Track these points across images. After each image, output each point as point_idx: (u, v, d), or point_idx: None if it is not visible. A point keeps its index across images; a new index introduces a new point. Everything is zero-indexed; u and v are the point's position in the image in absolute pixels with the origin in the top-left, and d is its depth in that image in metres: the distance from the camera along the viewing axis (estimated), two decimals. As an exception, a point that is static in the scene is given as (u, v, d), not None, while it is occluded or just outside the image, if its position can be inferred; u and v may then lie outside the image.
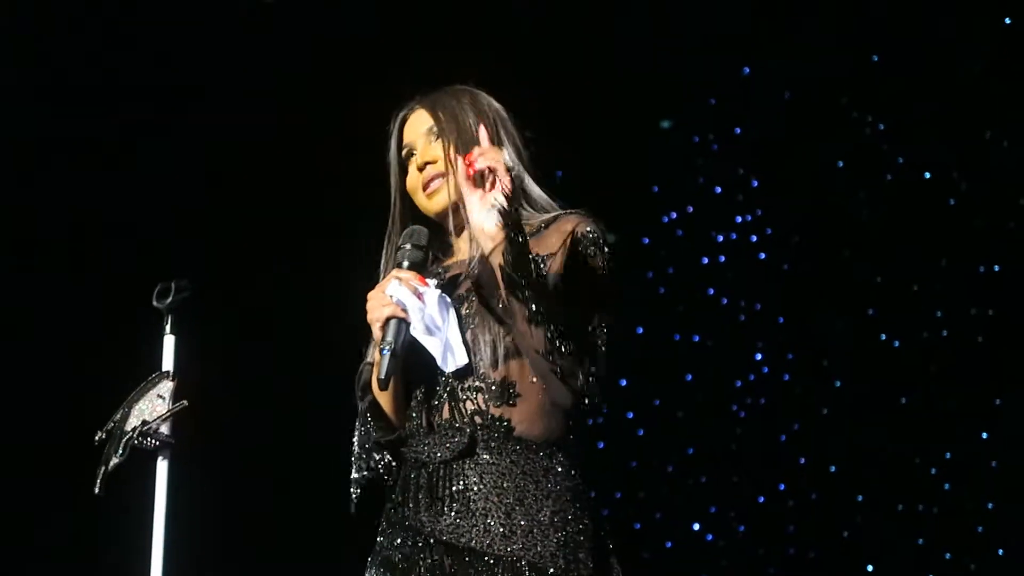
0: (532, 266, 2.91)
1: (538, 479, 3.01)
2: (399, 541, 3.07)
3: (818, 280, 6.51)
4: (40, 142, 5.55)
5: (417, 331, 3.02)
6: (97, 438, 3.51)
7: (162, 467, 3.52)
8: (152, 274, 3.65)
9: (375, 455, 3.15)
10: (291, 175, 5.63)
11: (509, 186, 2.90)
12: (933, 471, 6.48)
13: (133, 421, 3.50)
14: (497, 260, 2.92)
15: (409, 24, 5.78)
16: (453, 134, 3.21)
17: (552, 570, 2.94)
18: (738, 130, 6.57)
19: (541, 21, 6.02)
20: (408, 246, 3.12)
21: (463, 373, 3.06)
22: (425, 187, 3.21)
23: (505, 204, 2.89)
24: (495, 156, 2.94)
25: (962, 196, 6.57)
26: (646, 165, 6.44)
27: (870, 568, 6.45)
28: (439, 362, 3.03)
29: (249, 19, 5.72)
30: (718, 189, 6.57)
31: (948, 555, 6.45)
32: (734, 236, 6.55)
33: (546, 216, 3.19)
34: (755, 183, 6.58)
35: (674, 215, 6.54)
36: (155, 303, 3.60)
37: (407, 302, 3.02)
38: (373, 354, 3.10)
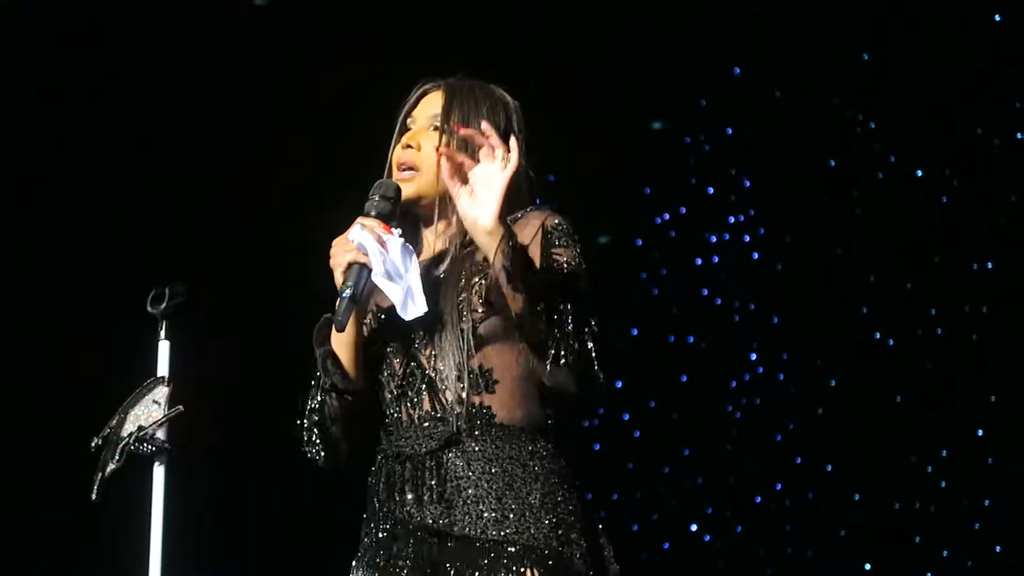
0: (529, 260, 2.93)
1: (525, 463, 3.03)
2: (383, 538, 3.08)
3: (812, 279, 6.51)
4: (41, 145, 5.55)
5: (378, 277, 3.02)
6: (93, 444, 3.51)
7: (159, 472, 3.51)
8: (147, 278, 3.66)
9: (329, 405, 3.14)
10: (290, 176, 5.63)
11: (513, 160, 2.91)
12: (929, 469, 6.48)
13: (129, 427, 3.49)
14: (500, 262, 2.91)
15: (405, 19, 5.79)
16: (449, 134, 3.19)
17: (547, 552, 2.95)
18: (730, 130, 6.58)
19: (535, 21, 6.03)
20: (376, 197, 3.12)
21: (441, 363, 3.07)
22: (398, 167, 3.20)
23: (504, 186, 2.90)
24: (491, 140, 2.94)
25: (954, 193, 6.57)
26: (638, 167, 6.44)
27: (868, 567, 6.45)
28: (399, 309, 3.04)
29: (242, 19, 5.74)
30: (711, 190, 6.58)
31: (945, 553, 6.45)
32: (727, 236, 6.56)
33: (515, 214, 3.18)
34: (747, 183, 6.58)
35: (667, 216, 6.55)
36: (149, 308, 3.60)
37: (369, 247, 3.03)
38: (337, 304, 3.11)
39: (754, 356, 6.52)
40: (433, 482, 3.03)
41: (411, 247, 3.10)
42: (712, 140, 6.57)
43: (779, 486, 6.47)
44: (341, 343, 3.13)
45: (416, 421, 3.09)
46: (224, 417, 5.13)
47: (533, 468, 3.03)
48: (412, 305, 3.04)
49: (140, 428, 3.48)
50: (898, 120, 6.57)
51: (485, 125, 3.01)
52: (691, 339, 6.51)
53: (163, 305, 3.60)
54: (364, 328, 3.17)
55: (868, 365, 6.50)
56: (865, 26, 6.50)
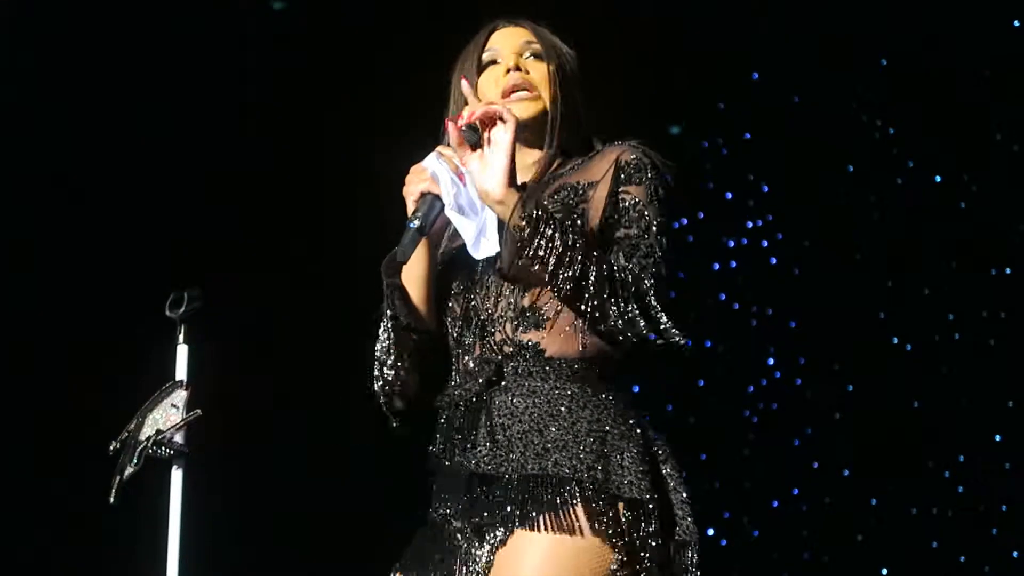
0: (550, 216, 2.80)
1: (573, 392, 2.89)
2: (441, 486, 2.98)
3: (829, 284, 6.50)
4: (52, 148, 5.56)
5: (449, 210, 2.89)
6: (112, 448, 3.52)
7: (176, 476, 3.52)
8: (165, 283, 3.67)
9: (403, 341, 3.01)
10: (306, 181, 5.63)
11: (510, 118, 2.83)
12: (946, 474, 6.48)
13: (147, 431, 3.51)
14: (509, 238, 2.80)
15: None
16: (554, 61, 3.17)
17: (588, 480, 2.81)
18: (748, 135, 6.57)
19: (549, 26, 6.02)
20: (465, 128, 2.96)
21: (491, 303, 2.97)
22: (507, 93, 3.09)
23: (509, 147, 2.81)
24: (482, 105, 2.87)
25: (973, 198, 6.57)
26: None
27: (884, 572, 6.44)
28: (469, 247, 2.91)
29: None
30: (729, 195, 6.57)
31: (962, 558, 6.44)
32: (745, 241, 6.55)
33: (595, 151, 3.12)
34: (765, 188, 6.58)
35: (684, 221, 6.54)
36: (168, 313, 3.61)
37: (442, 178, 2.90)
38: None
39: (771, 361, 6.52)
40: (482, 426, 2.91)
41: None
42: (730, 144, 6.57)
43: (796, 491, 6.46)
44: (411, 279, 3.02)
45: (468, 366, 2.98)
46: (243, 420, 5.14)
47: (581, 398, 2.89)
48: (485, 242, 2.90)
49: (158, 432, 3.49)
50: (916, 125, 6.57)
51: (465, 85, 2.95)
52: (708, 344, 6.50)
53: (181, 309, 3.61)
54: (437, 266, 3.06)
55: (885, 370, 6.49)
56: (883, 31, 6.50)
